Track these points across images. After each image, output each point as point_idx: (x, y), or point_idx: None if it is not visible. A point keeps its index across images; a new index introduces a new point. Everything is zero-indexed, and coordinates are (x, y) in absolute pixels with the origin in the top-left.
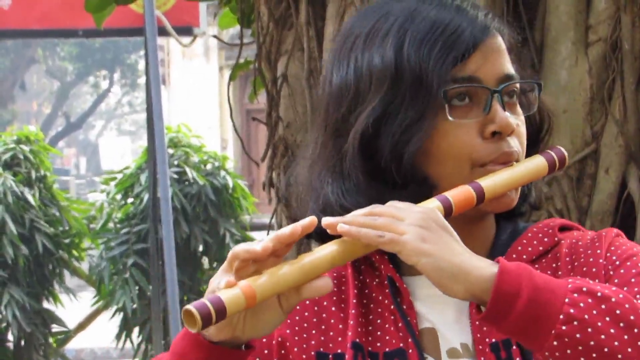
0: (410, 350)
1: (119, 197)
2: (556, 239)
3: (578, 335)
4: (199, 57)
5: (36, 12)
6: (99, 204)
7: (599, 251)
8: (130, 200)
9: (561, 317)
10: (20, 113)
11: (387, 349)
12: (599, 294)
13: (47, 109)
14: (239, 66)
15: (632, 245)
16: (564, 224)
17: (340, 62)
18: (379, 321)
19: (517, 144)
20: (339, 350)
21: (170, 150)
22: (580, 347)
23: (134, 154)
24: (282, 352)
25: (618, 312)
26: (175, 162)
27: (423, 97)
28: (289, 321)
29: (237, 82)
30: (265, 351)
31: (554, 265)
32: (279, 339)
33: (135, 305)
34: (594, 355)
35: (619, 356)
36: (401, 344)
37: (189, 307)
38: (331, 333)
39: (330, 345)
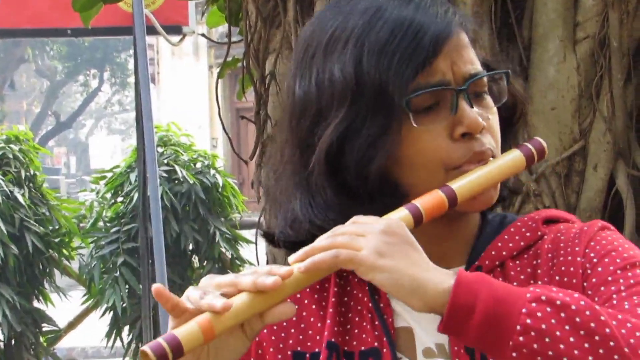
0: (385, 350)
1: (108, 196)
2: (539, 233)
3: (535, 346)
4: (189, 55)
5: (25, 11)
6: (89, 203)
7: (577, 248)
8: (120, 199)
9: (518, 327)
10: (9, 112)
11: (362, 348)
12: (558, 302)
13: (36, 108)
14: (227, 64)
15: (612, 239)
16: (550, 216)
17: (302, 72)
18: (357, 319)
19: (490, 140)
20: (317, 349)
21: (160, 149)
22: (538, 358)
23: (124, 153)
24: (259, 352)
25: (578, 319)
26: (165, 161)
27: (386, 109)
28: None
29: (226, 80)
30: None
31: (534, 262)
32: (256, 339)
33: (125, 304)
34: None
35: None
36: (376, 343)
37: (144, 347)
38: (310, 332)
39: (309, 344)
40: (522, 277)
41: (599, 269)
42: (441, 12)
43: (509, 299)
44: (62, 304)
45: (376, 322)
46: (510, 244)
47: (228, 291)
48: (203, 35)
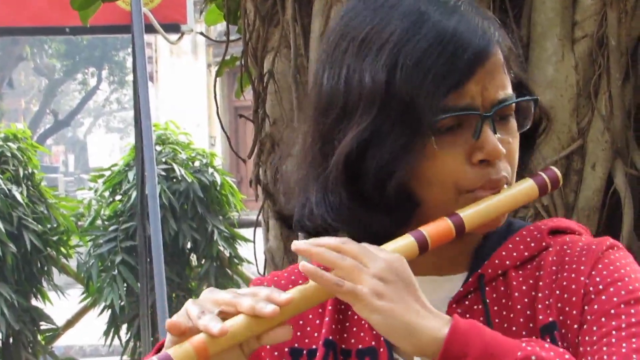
0: (382, 350)
1: (107, 194)
2: (544, 244)
3: None
4: (187, 54)
5: (24, 9)
6: (87, 201)
7: (582, 267)
8: (118, 197)
9: None
10: (8, 111)
11: (360, 346)
12: None
13: (35, 106)
14: (225, 63)
15: (620, 265)
16: (557, 226)
17: (332, 65)
18: (356, 317)
19: (506, 166)
20: (314, 346)
21: (158, 148)
22: None
23: (123, 151)
24: None
25: None
26: (163, 159)
27: (412, 125)
28: None
29: (225, 79)
30: None
31: (537, 273)
32: None
33: (123, 303)
34: None
35: None
36: (373, 342)
37: None
38: (308, 328)
39: (306, 340)
40: (523, 287)
41: (603, 297)
42: (482, 26)
43: (499, 355)
44: (60, 302)
45: None
46: (514, 254)
47: (226, 310)
48: (201, 33)
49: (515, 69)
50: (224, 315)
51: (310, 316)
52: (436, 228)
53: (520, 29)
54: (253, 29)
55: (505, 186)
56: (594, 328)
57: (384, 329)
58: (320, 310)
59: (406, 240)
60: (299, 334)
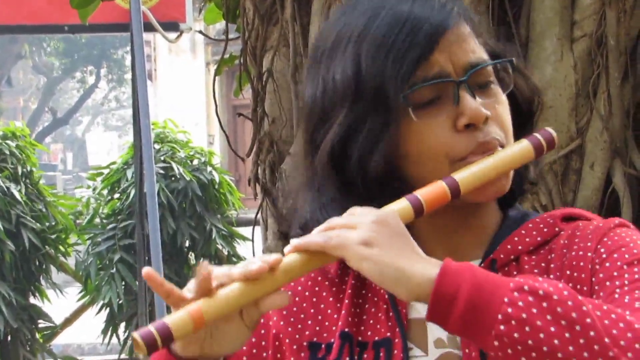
0: (396, 340)
1: (105, 192)
2: (557, 229)
3: (516, 335)
4: (186, 52)
5: (23, 7)
6: (86, 199)
7: (589, 244)
8: (116, 195)
9: (499, 317)
10: (6, 109)
11: (376, 338)
12: (540, 291)
13: (33, 104)
14: (224, 61)
15: (626, 236)
16: (570, 213)
17: (312, 76)
18: (373, 310)
19: (496, 129)
20: (332, 340)
21: (157, 146)
22: (519, 347)
23: (121, 150)
24: (277, 343)
25: (559, 309)
26: (162, 158)
27: (385, 106)
28: (285, 312)
29: (223, 77)
30: (263, 342)
31: (549, 257)
32: (274, 332)
33: (121, 301)
34: (534, 354)
35: (559, 355)
36: (389, 334)
37: (135, 333)
38: (326, 323)
39: (325, 334)
40: (535, 271)
41: (607, 264)
42: (437, 5)
43: (491, 288)
44: (58, 300)
45: (390, 313)
46: (527, 239)
47: (223, 282)
48: (200, 32)
49: (489, 42)
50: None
51: (329, 311)
52: (431, 191)
53: (519, 29)
54: (252, 27)
55: (499, 149)
56: (601, 293)
57: (375, 276)
58: (337, 304)
59: (401, 204)
60: (317, 328)
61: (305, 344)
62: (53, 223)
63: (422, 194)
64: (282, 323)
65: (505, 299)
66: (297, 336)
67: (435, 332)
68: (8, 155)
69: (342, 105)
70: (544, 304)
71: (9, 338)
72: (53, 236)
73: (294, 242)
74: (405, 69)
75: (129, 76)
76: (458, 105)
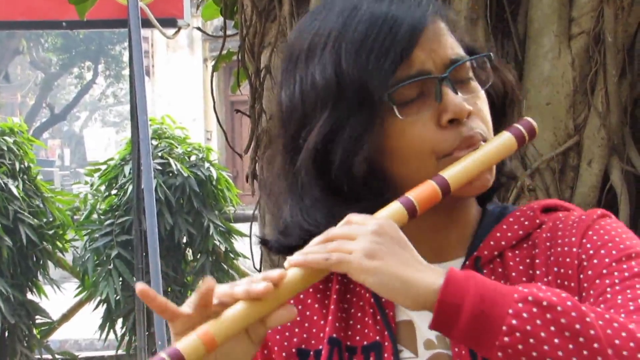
0: (386, 344)
1: (102, 188)
2: (537, 221)
3: (520, 347)
4: (183, 48)
5: (20, 3)
6: (83, 195)
7: (574, 239)
8: (114, 191)
9: (504, 328)
10: (4, 104)
11: (365, 343)
12: (544, 302)
13: (31, 100)
14: (222, 57)
15: (611, 229)
16: (549, 204)
17: (287, 80)
18: (359, 314)
19: (478, 124)
20: (320, 347)
21: (154, 142)
22: (523, 358)
23: (119, 146)
24: (265, 352)
25: (563, 321)
26: (159, 154)
27: (368, 106)
28: None
29: (221, 73)
30: None
31: (533, 252)
32: None
33: (118, 297)
34: None
35: None
36: (377, 337)
37: None
38: (313, 330)
39: (312, 341)
40: (520, 267)
41: (595, 261)
42: (413, 4)
43: (496, 299)
44: (55, 296)
45: (378, 317)
46: (509, 234)
47: (225, 301)
48: (198, 28)
49: (464, 39)
50: (223, 307)
51: (315, 317)
52: (422, 191)
53: (517, 26)
54: (250, 24)
55: (482, 143)
56: (591, 292)
57: (380, 288)
58: (324, 311)
59: (394, 207)
60: (305, 335)
61: (294, 350)
62: (50, 219)
63: (414, 195)
64: (269, 331)
65: (510, 311)
66: (285, 343)
67: (424, 333)
68: (6, 151)
69: (324, 106)
70: (548, 315)
71: (7, 334)
72: (50, 232)
73: (295, 259)
74: (388, 67)
75: (126, 72)
76: (441, 101)
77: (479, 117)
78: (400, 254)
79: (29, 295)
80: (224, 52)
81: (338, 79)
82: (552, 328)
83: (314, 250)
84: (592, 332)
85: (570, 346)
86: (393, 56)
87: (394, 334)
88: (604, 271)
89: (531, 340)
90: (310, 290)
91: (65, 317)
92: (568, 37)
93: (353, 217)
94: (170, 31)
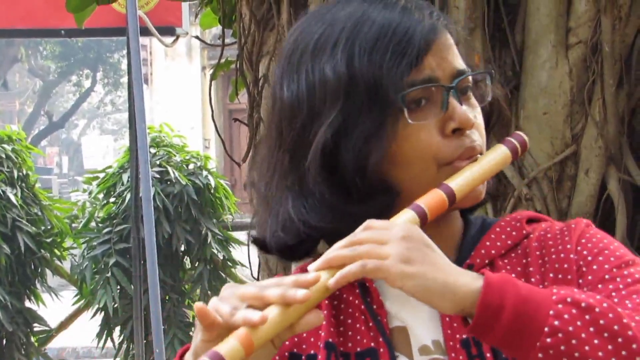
0: (382, 350)
1: (101, 196)
2: (524, 232)
3: (562, 347)
4: (182, 56)
5: (19, 11)
6: (81, 203)
7: (568, 246)
8: (112, 199)
9: (546, 329)
10: (2, 112)
11: (358, 349)
12: (583, 304)
13: (29, 107)
14: (220, 66)
15: (602, 237)
16: (530, 216)
17: (289, 76)
18: (349, 321)
19: (478, 136)
20: (312, 351)
21: (153, 150)
22: (564, 359)
23: (117, 154)
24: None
25: (602, 322)
26: (158, 162)
27: (381, 105)
28: None
29: (219, 82)
30: None
31: (524, 260)
32: None
33: (116, 305)
34: None
35: None
36: (372, 344)
37: None
38: (304, 335)
39: (304, 346)
40: (513, 275)
41: (594, 267)
42: (425, 15)
43: (536, 300)
44: (53, 304)
45: (370, 324)
46: (498, 243)
47: (254, 304)
48: (196, 37)
49: (464, 55)
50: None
51: None
52: (431, 199)
53: (515, 35)
54: (248, 33)
55: (479, 156)
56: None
57: (420, 293)
58: None
59: (407, 214)
60: (296, 339)
61: (286, 354)
62: (49, 227)
63: (424, 203)
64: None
65: (551, 312)
66: None
67: (419, 339)
68: (4, 158)
69: (334, 102)
70: (587, 317)
71: (4, 341)
72: (48, 240)
73: (321, 262)
74: (403, 68)
75: (125, 80)
76: (447, 110)
77: (478, 131)
78: (433, 258)
79: (27, 303)
80: (222, 60)
81: (350, 74)
82: (592, 329)
83: (344, 256)
84: (629, 333)
85: (610, 347)
86: (409, 57)
87: (389, 340)
88: (606, 276)
89: (573, 341)
90: None
91: (63, 325)
92: (565, 47)
93: (373, 222)
94: (169, 39)
